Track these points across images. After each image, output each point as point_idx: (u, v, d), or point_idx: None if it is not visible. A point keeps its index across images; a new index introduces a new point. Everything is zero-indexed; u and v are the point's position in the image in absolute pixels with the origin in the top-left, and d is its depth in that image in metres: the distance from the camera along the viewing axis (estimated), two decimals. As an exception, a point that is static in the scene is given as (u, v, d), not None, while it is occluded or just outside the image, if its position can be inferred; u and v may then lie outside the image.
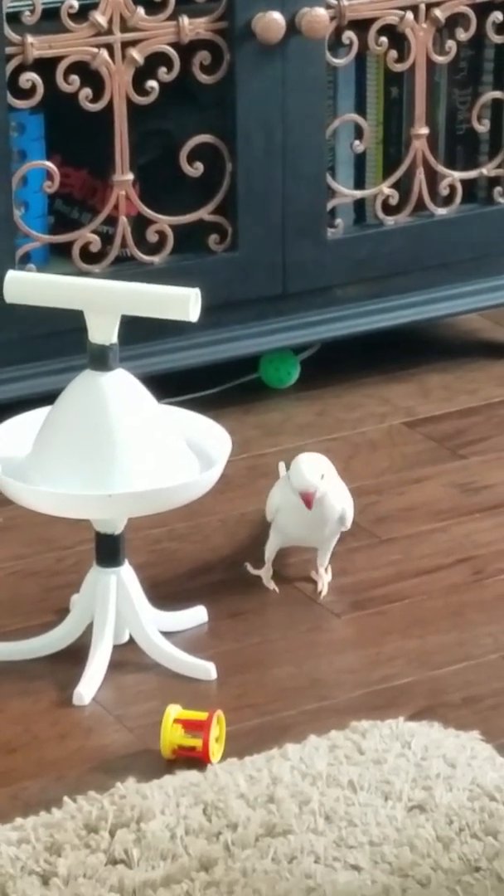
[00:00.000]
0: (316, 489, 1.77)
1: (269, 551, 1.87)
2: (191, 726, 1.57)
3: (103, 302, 1.66)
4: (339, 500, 1.82)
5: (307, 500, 1.76)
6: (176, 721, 1.58)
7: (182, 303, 1.64)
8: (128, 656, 1.74)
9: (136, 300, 1.66)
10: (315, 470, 1.78)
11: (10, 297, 1.68)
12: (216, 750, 1.58)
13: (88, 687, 1.69)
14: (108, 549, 1.73)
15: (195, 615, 1.82)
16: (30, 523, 1.95)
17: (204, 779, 1.55)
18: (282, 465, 1.97)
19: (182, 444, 1.72)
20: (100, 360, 1.67)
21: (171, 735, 1.58)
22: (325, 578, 1.86)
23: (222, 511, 2.04)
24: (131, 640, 1.75)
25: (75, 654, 1.73)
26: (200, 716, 1.58)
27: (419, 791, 1.53)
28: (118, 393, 1.67)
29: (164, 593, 1.85)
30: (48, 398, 1.74)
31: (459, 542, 1.98)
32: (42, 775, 1.58)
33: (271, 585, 1.86)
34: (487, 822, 1.49)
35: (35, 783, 1.57)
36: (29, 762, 1.60)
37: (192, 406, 1.84)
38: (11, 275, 1.69)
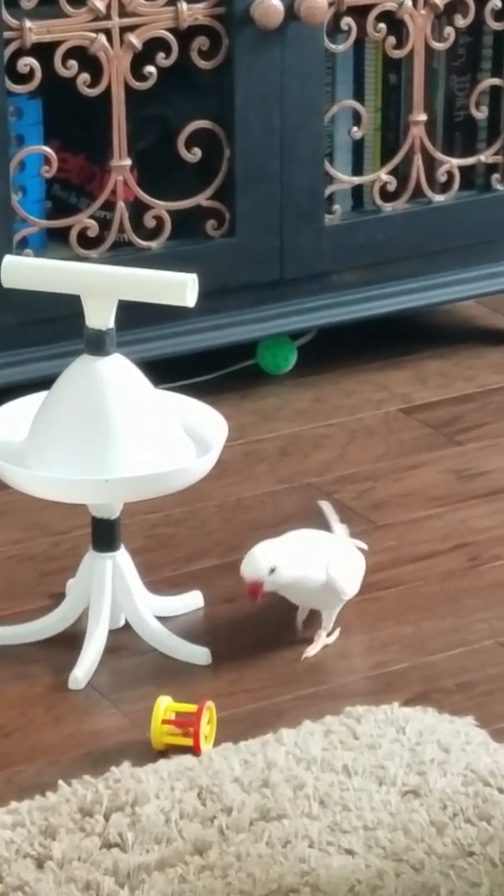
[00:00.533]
0: (261, 582, 1.65)
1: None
2: (180, 724, 1.57)
3: (100, 287, 1.66)
4: (312, 574, 1.69)
5: (251, 592, 1.66)
6: (164, 722, 1.57)
7: (179, 288, 1.64)
8: (123, 641, 1.74)
9: (133, 285, 1.66)
10: (265, 561, 1.66)
11: (7, 282, 1.68)
12: (209, 732, 1.59)
13: (84, 671, 1.69)
14: (105, 534, 1.73)
15: (191, 600, 1.82)
16: (26, 508, 1.95)
17: (198, 763, 1.55)
18: (325, 505, 1.89)
19: (178, 430, 1.72)
20: (97, 345, 1.67)
21: (160, 734, 1.58)
22: (321, 641, 1.74)
23: (218, 496, 2.04)
24: (127, 625, 1.76)
25: (71, 639, 1.73)
26: (189, 708, 1.58)
27: (413, 776, 1.53)
28: (115, 378, 1.68)
29: (160, 578, 1.85)
30: (45, 383, 1.74)
31: (455, 528, 1.98)
32: (37, 759, 1.59)
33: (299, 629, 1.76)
34: (481, 807, 1.49)
35: (30, 767, 1.58)
36: (24, 746, 1.60)
37: (189, 392, 1.84)
38: (8, 259, 1.69)
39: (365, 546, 1.85)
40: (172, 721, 1.57)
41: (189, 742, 1.56)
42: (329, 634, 1.74)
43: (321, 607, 1.75)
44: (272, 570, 1.66)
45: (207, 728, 1.58)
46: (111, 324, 1.67)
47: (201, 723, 1.56)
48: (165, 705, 1.58)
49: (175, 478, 1.68)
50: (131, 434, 1.67)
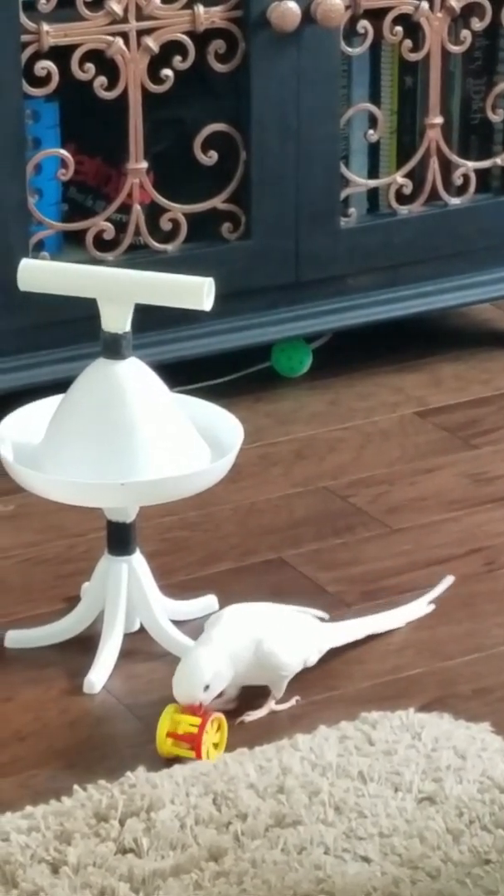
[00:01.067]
0: (200, 702, 1.57)
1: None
2: (184, 739, 1.56)
3: (117, 291, 1.66)
4: (244, 655, 1.61)
5: (191, 713, 1.57)
6: (169, 735, 1.57)
7: (196, 292, 1.64)
8: (138, 645, 1.74)
9: (149, 289, 1.66)
10: (196, 682, 1.57)
11: (23, 285, 1.68)
12: (219, 741, 1.58)
13: (99, 675, 1.69)
14: (120, 538, 1.73)
15: (206, 604, 1.82)
16: (41, 511, 1.95)
17: (214, 768, 1.55)
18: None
19: (194, 433, 1.72)
20: (113, 348, 1.67)
21: (165, 745, 1.57)
22: (268, 707, 1.65)
23: (233, 500, 2.04)
24: (142, 629, 1.75)
25: (86, 643, 1.73)
26: (193, 722, 1.56)
27: (429, 783, 1.53)
28: (131, 381, 1.67)
29: (175, 582, 1.85)
30: (61, 386, 1.74)
31: (471, 532, 1.98)
32: (52, 763, 1.58)
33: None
34: (497, 815, 1.49)
35: (45, 771, 1.57)
36: (39, 750, 1.60)
37: (204, 395, 1.83)
38: (25, 263, 1.69)
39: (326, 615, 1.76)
40: (177, 735, 1.57)
41: (192, 755, 1.56)
42: (279, 703, 1.65)
43: (266, 683, 1.66)
44: (206, 688, 1.57)
45: (217, 737, 1.58)
46: (127, 327, 1.67)
47: (203, 737, 1.55)
48: (171, 718, 1.57)
49: (191, 481, 1.68)
50: (147, 437, 1.67)
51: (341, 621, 1.76)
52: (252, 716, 1.64)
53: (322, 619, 1.75)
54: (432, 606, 1.80)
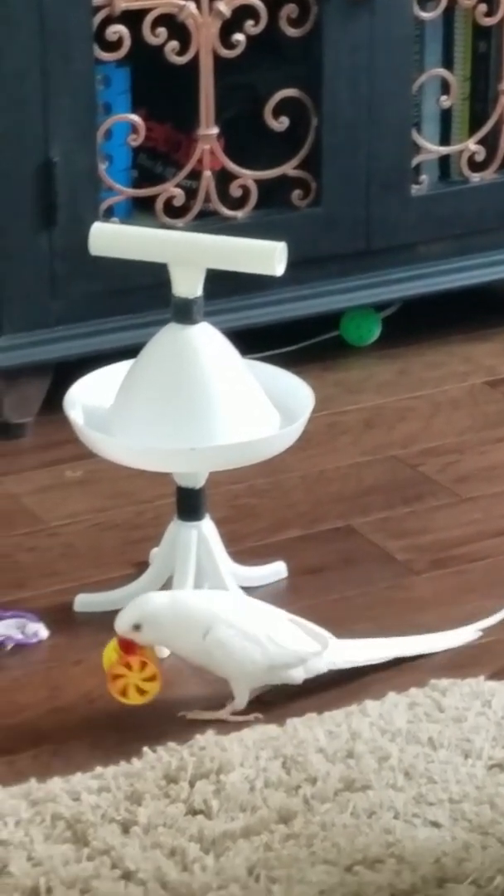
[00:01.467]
0: (128, 639, 1.55)
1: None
2: (111, 677, 1.58)
3: (189, 254, 1.65)
4: (192, 635, 1.57)
5: (122, 647, 1.56)
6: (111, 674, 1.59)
7: (268, 256, 1.63)
8: (207, 610, 1.74)
9: (221, 253, 1.66)
10: (128, 617, 1.55)
11: (95, 250, 1.68)
12: (149, 688, 1.57)
13: (168, 639, 1.69)
14: (190, 503, 1.73)
15: (274, 570, 1.82)
16: (111, 476, 1.96)
17: (283, 732, 1.55)
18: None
19: (265, 399, 1.71)
20: (184, 313, 1.67)
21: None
22: (216, 714, 1.59)
23: (301, 468, 2.04)
24: (211, 594, 1.75)
25: (155, 607, 1.74)
26: (119, 670, 1.58)
27: (499, 750, 1.52)
28: (202, 346, 1.67)
29: (244, 548, 1.85)
30: (131, 352, 1.74)
31: (541, 502, 1.97)
32: (121, 725, 1.59)
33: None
34: None
35: (114, 734, 1.58)
36: (108, 712, 1.61)
37: (273, 363, 1.82)
38: (97, 227, 1.69)
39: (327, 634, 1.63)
40: (110, 673, 1.58)
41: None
42: (236, 714, 1.58)
43: (220, 674, 1.59)
44: (137, 627, 1.55)
45: (147, 684, 1.57)
46: (199, 292, 1.66)
47: (117, 679, 1.56)
48: (108, 658, 1.58)
49: (261, 447, 1.67)
50: (218, 403, 1.66)
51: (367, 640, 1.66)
52: (198, 715, 1.58)
53: (324, 640, 1.62)
54: (479, 633, 1.70)
